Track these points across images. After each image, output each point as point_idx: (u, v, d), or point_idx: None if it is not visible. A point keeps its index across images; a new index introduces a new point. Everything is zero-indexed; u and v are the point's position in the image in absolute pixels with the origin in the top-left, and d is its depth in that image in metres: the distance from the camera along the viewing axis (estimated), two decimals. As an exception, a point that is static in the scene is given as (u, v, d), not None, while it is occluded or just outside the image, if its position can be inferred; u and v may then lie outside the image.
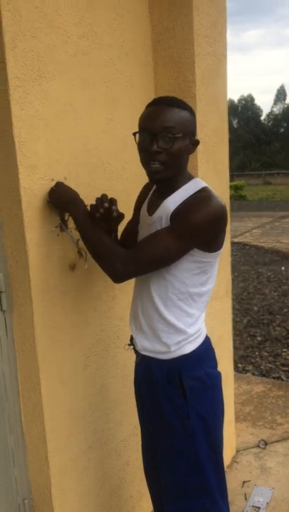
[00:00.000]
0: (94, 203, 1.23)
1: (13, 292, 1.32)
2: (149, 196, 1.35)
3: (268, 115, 41.25)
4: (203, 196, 1.19)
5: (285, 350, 3.88)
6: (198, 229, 1.16)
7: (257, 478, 2.15)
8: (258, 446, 2.41)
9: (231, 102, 39.36)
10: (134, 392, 1.45)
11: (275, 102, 41.39)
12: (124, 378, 1.64)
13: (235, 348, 3.70)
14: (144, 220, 1.33)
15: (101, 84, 1.48)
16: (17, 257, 1.28)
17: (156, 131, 1.15)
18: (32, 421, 1.37)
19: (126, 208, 1.34)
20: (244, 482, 2.13)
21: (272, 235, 9.61)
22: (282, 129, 39.49)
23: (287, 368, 3.51)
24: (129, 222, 1.44)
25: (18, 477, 1.41)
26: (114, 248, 1.21)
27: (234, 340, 3.46)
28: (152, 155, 1.17)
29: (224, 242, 1.26)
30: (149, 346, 1.30)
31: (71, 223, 1.32)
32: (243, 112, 40.97)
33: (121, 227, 1.39)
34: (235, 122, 39.99)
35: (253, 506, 1.97)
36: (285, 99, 41.15)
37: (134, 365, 1.42)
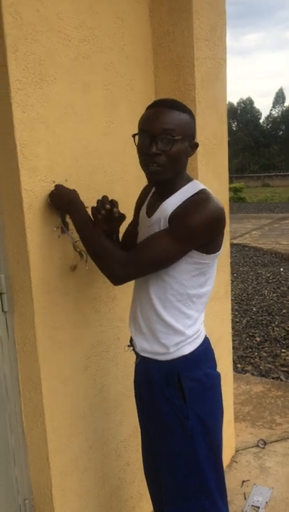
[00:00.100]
0: (95, 205, 1.24)
1: (14, 293, 1.33)
2: (148, 198, 1.36)
3: (267, 118, 41.36)
4: (201, 198, 1.20)
5: (283, 350, 3.89)
6: (196, 231, 1.17)
7: (256, 478, 2.16)
8: (257, 445, 2.41)
9: (231, 105, 39.44)
10: (134, 393, 1.46)
11: (274, 105, 41.50)
12: (125, 379, 1.65)
13: (234, 348, 3.72)
14: (143, 221, 1.34)
15: (102, 88, 1.49)
16: (18, 258, 1.29)
17: (155, 133, 1.16)
18: (33, 421, 1.38)
19: (126, 210, 1.35)
20: (243, 482, 2.13)
21: (271, 237, 9.63)
22: (281, 132, 39.57)
23: (286, 369, 3.52)
24: (130, 225, 1.45)
25: (19, 477, 1.42)
26: (113, 250, 1.21)
27: (233, 341, 3.47)
28: (151, 157, 1.17)
29: (223, 244, 1.26)
30: (148, 347, 1.30)
31: (72, 225, 1.33)
32: (243, 114, 41.06)
33: (122, 229, 1.40)
34: (234, 125, 40.07)
35: (252, 506, 1.97)
36: (283, 102, 41.28)
37: (134, 365, 1.42)
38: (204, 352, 1.33)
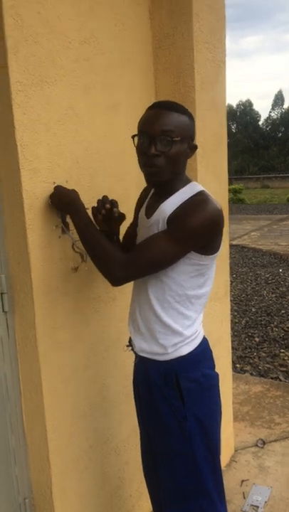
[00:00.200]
0: (95, 205, 1.25)
1: (14, 293, 1.34)
2: (147, 199, 1.37)
3: (266, 120, 41.40)
4: (199, 200, 1.20)
5: (282, 350, 3.90)
6: (195, 233, 1.17)
7: (255, 477, 2.17)
8: (256, 445, 2.42)
9: (230, 107, 39.51)
10: (132, 393, 1.47)
11: (273, 107, 41.57)
12: (125, 379, 1.65)
13: (233, 348, 3.72)
14: (142, 223, 1.35)
15: (102, 89, 1.50)
16: (19, 258, 1.30)
17: (154, 134, 1.16)
18: (33, 421, 1.39)
19: (127, 211, 1.36)
20: (243, 481, 2.14)
21: (270, 238, 9.64)
22: (280, 134, 39.63)
23: (285, 369, 3.53)
24: (130, 226, 1.45)
25: (20, 476, 1.43)
26: (113, 252, 1.22)
27: (232, 341, 3.48)
28: (150, 158, 1.17)
29: (221, 245, 1.27)
30: (146, 348, 1.31)
31: (72, 225, 1.34)
32: (242, 116, 41.10)
33: (122, 230, 1.41)
34: (233, 127, 40.12)
35: (251, 505, 1.98)
36: (283, 104, 41.34)
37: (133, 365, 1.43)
38: (202, 352, 1.33)
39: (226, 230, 1.29)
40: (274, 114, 41.13)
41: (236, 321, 4.68)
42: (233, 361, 3.09)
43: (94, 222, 1.28)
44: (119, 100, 1.58)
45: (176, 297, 1.25)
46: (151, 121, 1.18)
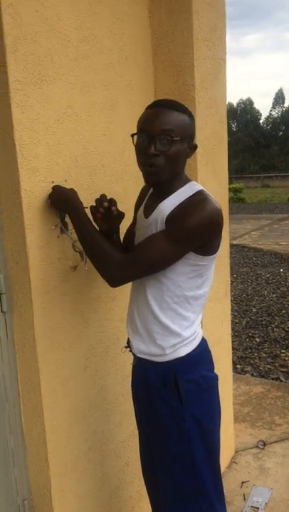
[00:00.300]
0: (94, 204, 1.24)
1: (13, 294, 1.33)
2: (146, 199, 1.36)
3: (267, 119, 41.41)
4: (198, 200, 1.19)
5: (283, 351, 3.89)
6: (193, 233, 1.16)
7: (256, 479, 2.16)
8: (257, 446, 2.41)
9: (230, 105, 39.51)
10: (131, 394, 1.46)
11: (274, 106, 41.55)
12: (124, 379, 1.65)
13: (234, 349, 3.72)
14: (140, 222, 1.34)
15: (101, 88, 1.49)
16: (17, 258, 1.29)
17: (154, 133, 1.15)
18: (32, 422, 1.38)
19: (126, 210, 1.35)
20: (243, 482, 2.13)
21: (270, 237, 9.63)
22: (281, 133, 39.62)
23: (285, 369, 3.53)
24: (130, 225, 1.45)
25: (18, 478, 1.42)
26: (111, 252, 1.21)
27: (233, 342, 3.48)
28: (149, 157, 1.16)
29: (220, 246, 1.26)
30: (144, 349, 1.30)
31: (71, 225, 1.33)
32: (242, 115, 41.10)
33: (122, 230, 1.40)
34: (234, 126, 40.12)
35: (251, 507, 1.97)
36: (283, 102, 41.33)
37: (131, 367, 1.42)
38: (201, 354, 1.32)
39: (226, 229, 1.29)
40: (275, 113, 41.16)
41: (237, 321, 4.67)
42: (233, 362, 3.08)
43: (93, 221, 1.27)
44: (119, 99, 1.57)
45: (174, 298, 1.24)
46: (151, 120, 1.17)
